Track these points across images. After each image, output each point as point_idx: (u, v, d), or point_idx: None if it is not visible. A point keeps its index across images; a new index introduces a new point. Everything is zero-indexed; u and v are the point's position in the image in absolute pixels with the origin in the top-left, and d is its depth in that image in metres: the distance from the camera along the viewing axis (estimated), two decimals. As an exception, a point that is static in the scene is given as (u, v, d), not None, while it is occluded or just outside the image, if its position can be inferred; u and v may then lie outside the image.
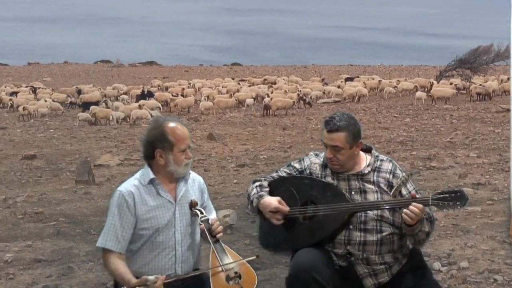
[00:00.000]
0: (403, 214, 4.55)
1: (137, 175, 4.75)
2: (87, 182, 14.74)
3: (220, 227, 4.73)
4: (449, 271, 7.19)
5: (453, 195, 4.55)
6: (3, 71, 71.78)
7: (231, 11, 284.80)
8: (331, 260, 4.68)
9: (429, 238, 4.82)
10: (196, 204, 4.74)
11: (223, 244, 4.67)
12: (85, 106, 33.23)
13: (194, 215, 4.73)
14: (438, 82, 39.83)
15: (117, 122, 29.34)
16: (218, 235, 4.65)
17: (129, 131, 25.18)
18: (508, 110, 20.00)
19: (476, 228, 9.08)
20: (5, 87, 46.39)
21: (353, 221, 4.69)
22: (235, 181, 14.63)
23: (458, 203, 4.53)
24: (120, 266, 4.53)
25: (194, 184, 4.89)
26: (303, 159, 5.08)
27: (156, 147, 4.64)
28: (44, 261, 8.50)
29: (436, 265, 7.36)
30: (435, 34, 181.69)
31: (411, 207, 4.50)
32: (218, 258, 4.56)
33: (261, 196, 4.85)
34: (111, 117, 29.90)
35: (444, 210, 4.63)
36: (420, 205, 4.52)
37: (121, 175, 15.28)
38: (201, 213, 4.72)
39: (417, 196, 4.61)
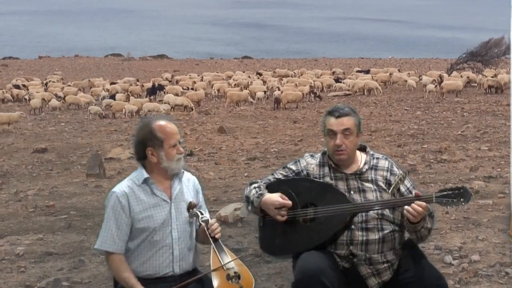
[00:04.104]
0: (405, 212, 4.53)
1: (131, 176, 4.77)
2: (98, 176, 14.78)
3: (219, 228, 4.74)
4: (460, 264, 7.17)
5: (456, 192, 4.52)
6: (14, 65, 72.03)
7: (241, 4, 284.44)
8: (335, 262, 4.63)
9: (431, 234, 4.79)
10: (195, 206, 4.76)
11: (222, 245, 4.69)
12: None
13: (193, 216, 4.74)
14: (449, 75, 39.70)
15: (132, 115, 29.41)
16: (217, 235, 4.67)
17: (140, 125, 25.15)
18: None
19: (488, 221, 9.04)
20: (16, 80, 46.56)
21: (354, 221, 4.65)
22: (245, 174, 14.64)
23: (462, 199, 4.50)
24: (124, 270, 4.58)
25: (189, 184, 4.89)
26: (298, 161, 5.02)
27: (146, 146, 4.66)
28: (55, 254, 8.53)
29: (447, 258, 7.34)
30: (446, 26, 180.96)
31: (414, 205, 4.48)
32: (219, 256, 4.59)
33: (261, 195, 4.80)
34: (123, 110, 30.00)
35: (448, 207, 4.59)
36: (424, 203, 4.49)
37: (131, 168, 15.26)
38: (201, 213, 4.73)
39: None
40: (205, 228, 4.66)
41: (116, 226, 4.59)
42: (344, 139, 4.72)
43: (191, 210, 4.73)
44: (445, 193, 4.54)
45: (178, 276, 4.66)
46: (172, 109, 30.72)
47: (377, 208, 4.64)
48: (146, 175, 4.68)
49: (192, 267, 4.80)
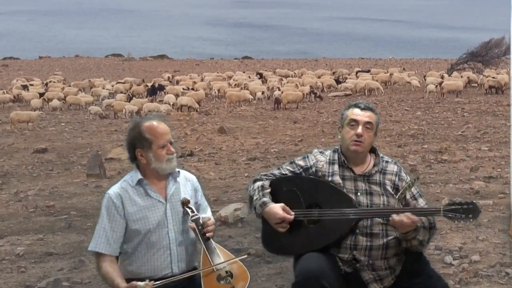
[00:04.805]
0: (391, 220, 4.46)
1: (126, 177, 4.74)
2: (98, 176, 14.79)
3: (212, 226, 4.63)
4: (460, 264, 7.16)
5: (465, 207, 4.45)
6: (15, 65, 72.04)
7: (241, 4, 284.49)
8: (337, 265, 4.58)
9: (425, 246, 4.69)
10: (188, 202, 4.68)
11: (214, 243, 4.59)
12: None
13: (185, 213, 4.66)
14: (449, 75, 39.67)
15: (132, 115, 29.42)
16: (208, 234, 4.56)
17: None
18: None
19: (488, 222, 9.03)
20: (17, 80, 46.55)
21: (359, 225, 4.59)
22: (246, 174, 14.63)
23: (470, 215, 4.43)
24: (111, 270, 4.49)
25: (187, 183, 4.83)
26: (307, 156, 4.95)
27: (136, 147, 4.64)
28: (55, 255, 8.54)
29: (448, 258, 7.33)
30: (446, 26, 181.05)
31: (402, 216, 4.41)
32: (209, 257, 4.49)
33: (264, 204, 4.71)
34: (124, 110, 30.01)
35: (456, 222, 4.55)
36: (416, 217, 4.42)
37: (132, 168, 15.22)
38: (192, 211, 4.65)
39: (418, 205, 4.59)
40: (195, 227, 4.57)
41: (110, 228, 4.55)
42: (366, 130, 4.71)
43: (185, 208, 4.66)
44: (453, 207, 4.46)
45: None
46: (177, 110, 30.79)
47: (383, 215, 4.58)
48: (140, 176, 4.65)
49: (191, 266, 4.72)
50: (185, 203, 4.67)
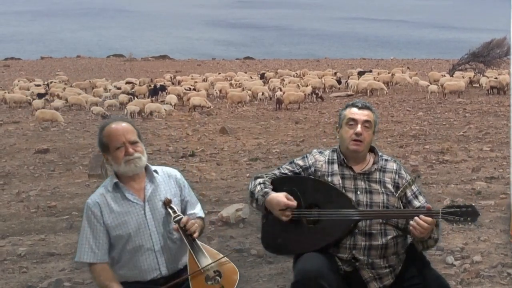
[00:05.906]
0: (410, 227, 4.46)
1: (105, 182, 4.67)
2: (100, 176, 14.77)
3: (194, 226, 4.55)
4: (462, 265, 7.17)
5: (464, 210, 4.46)
6: (16, 66, 71.97)
7: (243, 4, 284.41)
8: (336, 265, 4.58)
9: (437, 242, 4.70)
10: (170, 202, 4.59)
11: (199, 243, 4.52)
12: None
13: (167, 214, 4.58)
14: (451, 76, 39.61)
15: (133, 116, 29.42)
16: (194, 235, 4.50)
17: (142, 125, 25.18)
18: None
19: (490, 222, 9.03)
20: (18, 81, 46.52)
21: (358, 225, 4.60)
22: (247, 175, 14.62)
23: (469, 219, 4.44)
24: (105, 277, 4.50)
25: (170, 181, 4.75)
26: (306, 156, 4.98)
27: (102, 152, 4.63)
28: (57, 255, 8.54)
29: (449, 259, 7.34)
30: (447, 26, 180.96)
31: (420, 221, 4.41)
32: (195, 258, 4.43)
33: (266, 194, 4.68)
34: (125, 111, 30.00)
35: (454, 224, 4.54)
36: (430, 219, 4.42)
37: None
38: (174, 212, 4.56)
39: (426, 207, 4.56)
40: (179, 228, 4.49)
41: (93, 236, 4.52)
42: (365, 129, 4.73)
43: (167, 208, 4.58)
44: (452, 210, 4.47)
45: (170, 277, 4.56)
46: (189, 110, 30.83)
47: (383, 218, 4.60)
48: (115, 180, 4.58)
49: (182, 265, 4.63)
50: (166, 203, 4.59)
